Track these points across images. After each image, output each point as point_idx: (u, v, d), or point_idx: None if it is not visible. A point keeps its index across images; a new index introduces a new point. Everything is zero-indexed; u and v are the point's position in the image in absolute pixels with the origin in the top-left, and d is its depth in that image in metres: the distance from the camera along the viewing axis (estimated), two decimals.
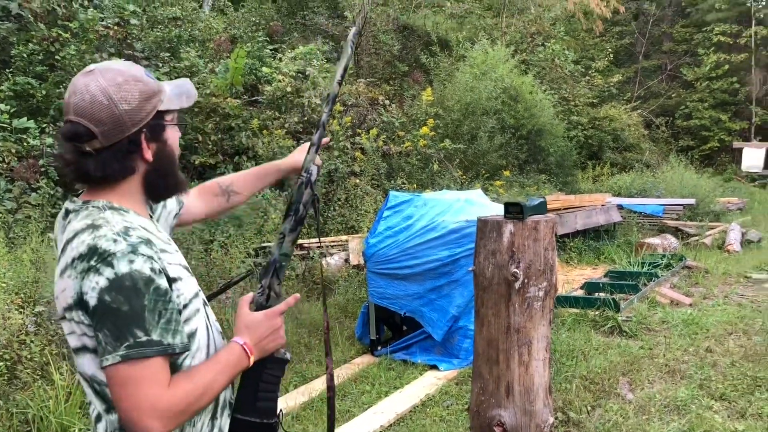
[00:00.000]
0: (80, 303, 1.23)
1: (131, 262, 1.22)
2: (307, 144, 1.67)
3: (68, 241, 1.28)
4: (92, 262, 1.22)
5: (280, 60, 10.38)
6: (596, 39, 22.98)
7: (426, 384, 4.58)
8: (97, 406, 1.33)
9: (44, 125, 7.39)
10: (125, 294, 1.20)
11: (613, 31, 25.50)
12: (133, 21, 9.05)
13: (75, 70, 7.81)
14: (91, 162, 1.31)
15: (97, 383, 1.30)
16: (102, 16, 8.56)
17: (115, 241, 1.23)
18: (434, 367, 4.90)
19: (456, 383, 4.59)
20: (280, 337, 1.45)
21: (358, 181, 9.15)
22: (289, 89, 9.62)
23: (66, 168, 1.34)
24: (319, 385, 4.54)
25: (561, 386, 4.30)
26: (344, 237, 7.88)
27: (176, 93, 1.43)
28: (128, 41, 8.97)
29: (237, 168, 8.87)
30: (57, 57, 7.88)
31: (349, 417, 4.04)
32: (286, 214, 1.54)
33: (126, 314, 1.20)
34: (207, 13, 12.69)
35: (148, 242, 1.28)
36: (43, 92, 7.63)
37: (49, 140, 7.00)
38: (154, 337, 1.22)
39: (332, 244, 7.76)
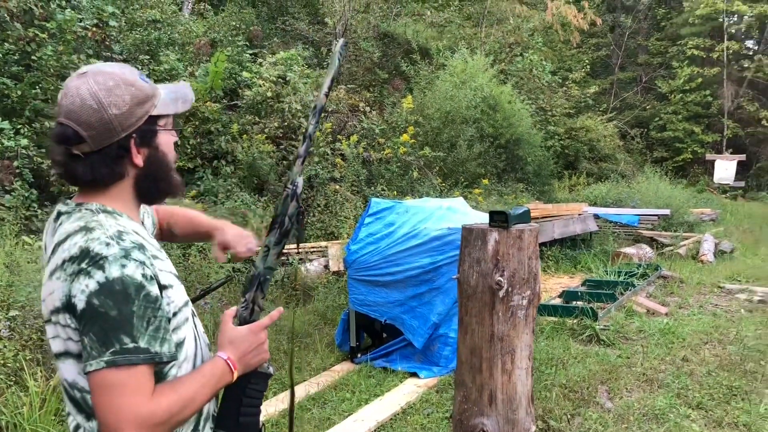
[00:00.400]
0: (68, 306, 1.21)
1: (123, 266, 1.19)
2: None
3: (59, 243, 1.26)
4: (83, 265, 1.19)
5: (261, 65, 10.34)
6: (573, 50, 23.30)
7: (406, 392, 4.56)
8: (75, 416, 1.29)
9: (19, 126, 7.24)
10: (114, 299, 1.17)
11: (590, 43, 25.92)
12: (112, 23, 8.93)
13: (52, 71, 7.68)
14: (80, 165, 1.29)
15: (78, 390, 1.27)
16: (80, 17, 8.43)
17: (108, 244, 1.21)
18: (414, 375, 4.89)
19: (436, 391, 4.58)
20: (264, 352, 1.43)
21: (338, 187, 9.14)
22: (269, 94, 9.60)
23: (56, 169, 1.32)
24: (298, 392, 4.51)
25: (541, 394, 4.32)
26: (324, 243, 7.86)
27: (172, 97, 1.40)
28: (107, 43, 8.85)
29: (216, 172, 8.81)
30: (33, 57, 7.74)
31: (329, 425, 4.01)
32: (271, 227, 1.50)
33: (114, 319, 1.17)
34: (187, 17, 12.57)
35: (141, 247, 1.26)
36: (19, 93, 7.47)
37: (24, 141, 6.86)
38: (142, 344, 1.19)
39: (312, 250, 7.72)
